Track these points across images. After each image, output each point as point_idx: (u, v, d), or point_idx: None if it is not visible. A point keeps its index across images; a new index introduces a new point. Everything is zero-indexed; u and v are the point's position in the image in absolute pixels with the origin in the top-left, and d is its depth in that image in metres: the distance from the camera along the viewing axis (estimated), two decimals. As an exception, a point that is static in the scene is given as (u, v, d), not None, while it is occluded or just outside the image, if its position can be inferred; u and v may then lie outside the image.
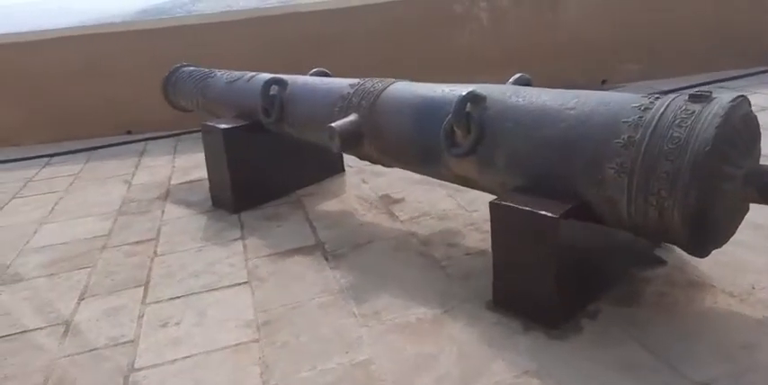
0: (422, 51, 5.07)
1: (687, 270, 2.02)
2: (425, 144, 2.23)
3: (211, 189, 3.22)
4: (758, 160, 1.70)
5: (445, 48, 5.15)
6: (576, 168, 1.76)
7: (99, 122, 5.04)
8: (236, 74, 3.39)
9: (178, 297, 2.23)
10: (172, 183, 3.72)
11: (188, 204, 3.26)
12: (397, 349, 1.78)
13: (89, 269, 2.55)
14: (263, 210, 3.05)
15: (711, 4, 5.20)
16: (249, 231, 2.80)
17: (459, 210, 2.77)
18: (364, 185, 3.27)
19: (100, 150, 4.73)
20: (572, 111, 1.84)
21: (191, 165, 4.00)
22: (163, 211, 3.20)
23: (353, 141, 2.46)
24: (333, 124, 2.43)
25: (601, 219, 1.78)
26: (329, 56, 4.44)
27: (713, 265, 2.00)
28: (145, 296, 2.27)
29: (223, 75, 3.46)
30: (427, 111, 2.24)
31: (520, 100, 2.00)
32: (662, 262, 2.08)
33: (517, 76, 2.24)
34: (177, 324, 2.04)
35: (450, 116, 2.05)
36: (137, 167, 4.17)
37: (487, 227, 2.52)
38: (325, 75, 3.05)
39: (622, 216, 1.69)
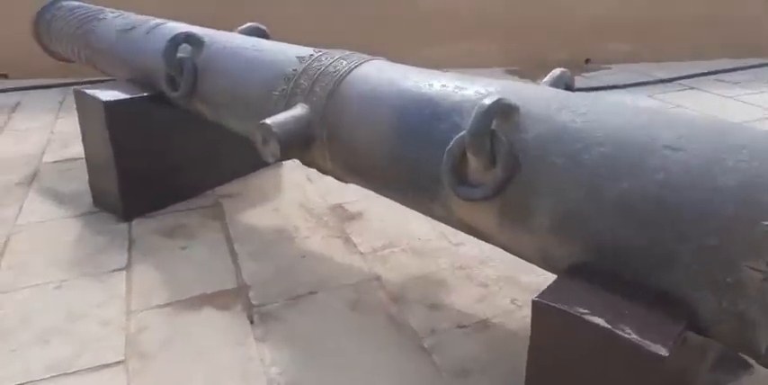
0: (384, 13, 4.22)
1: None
2: (413, 166, 1.44)
3: (92, 183, 2.31)
4: None
5: (413, 10, 4.33)
6: (682, 257, 1.05)
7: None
8: (135, 18, 2.42)
9: (4, 394, 1.40)
10: (44, 160, 2.75)
11: (60, 199, 2.35)
12: None
13: None
14: (164, 219, 2.19)
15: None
16: (140, 255, 1.96)
17: (440, 241, 2.04)
18: (309, 186, 2.47)
19: (-45, 100, 3.61)
20: (677, 154, 1.11)
21: (77, 131, 3.01)
22: (20, 208, 2.28)
23: (299, 147, 1.64)
24: (268, 120, 1.58)
25: (706, 332, 1.10)
26: (263, 8, 3.51)
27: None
28: (-52, 389, 1.42)
29: (116, 17, 2.48)
30: (417, 116, 1.44)
31: (576, 119, 1.25)
32: (748, 366, 1.46)
33: (557, 72, 1.48)
34: None
35: (463, 134, 1.27)
36: (0, 131, 3.13)
37: (483, 274, 1.85)
38: (262, 35, 2.16)
39: (759, 344, 1.02)
